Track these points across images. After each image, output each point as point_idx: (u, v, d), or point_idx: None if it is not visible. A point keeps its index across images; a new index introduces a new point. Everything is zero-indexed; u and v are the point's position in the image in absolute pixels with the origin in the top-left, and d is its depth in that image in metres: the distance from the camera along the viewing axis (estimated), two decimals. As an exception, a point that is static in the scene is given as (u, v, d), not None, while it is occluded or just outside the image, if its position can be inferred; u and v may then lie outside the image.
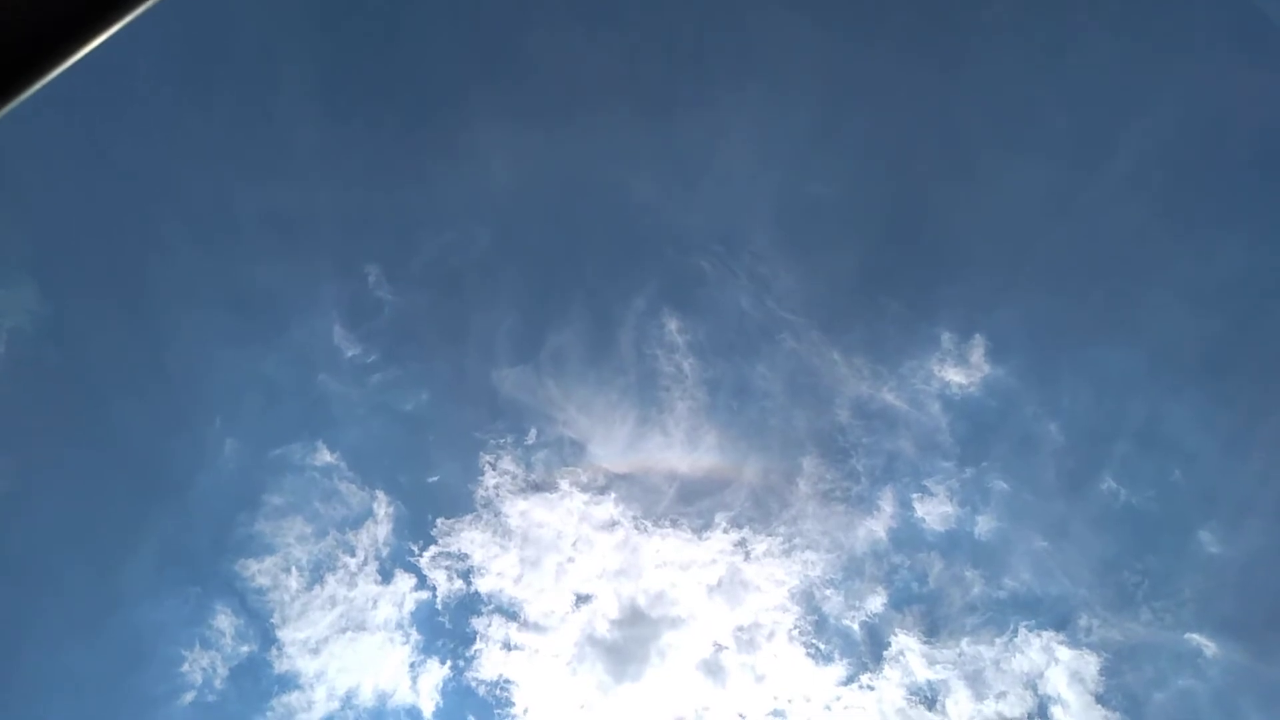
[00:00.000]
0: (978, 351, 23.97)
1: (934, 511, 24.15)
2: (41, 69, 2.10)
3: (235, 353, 24.97)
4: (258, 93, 24.47)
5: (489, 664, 24.71)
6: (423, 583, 24.94)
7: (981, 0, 24.23)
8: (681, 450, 25.55)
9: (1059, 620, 23.44)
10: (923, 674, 23.56)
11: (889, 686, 23.68)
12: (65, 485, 24.71)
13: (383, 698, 24.43)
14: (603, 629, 24.80)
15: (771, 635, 24.38)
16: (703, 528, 25.01)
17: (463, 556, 24.93)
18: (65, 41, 2.11)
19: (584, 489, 25.10)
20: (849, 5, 24.90)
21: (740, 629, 24.60)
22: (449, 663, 24.74)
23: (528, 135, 25.41)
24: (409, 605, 24.82)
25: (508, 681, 24.64)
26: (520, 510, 24.89)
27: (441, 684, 24.61)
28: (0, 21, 2.00)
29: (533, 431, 25.21)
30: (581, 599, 25.08)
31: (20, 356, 23.93)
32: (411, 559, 24.92)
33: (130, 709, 24.03)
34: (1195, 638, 22.57)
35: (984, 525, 24.02)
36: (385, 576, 24.83)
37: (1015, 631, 23.43)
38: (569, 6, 25.09)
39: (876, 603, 24.17)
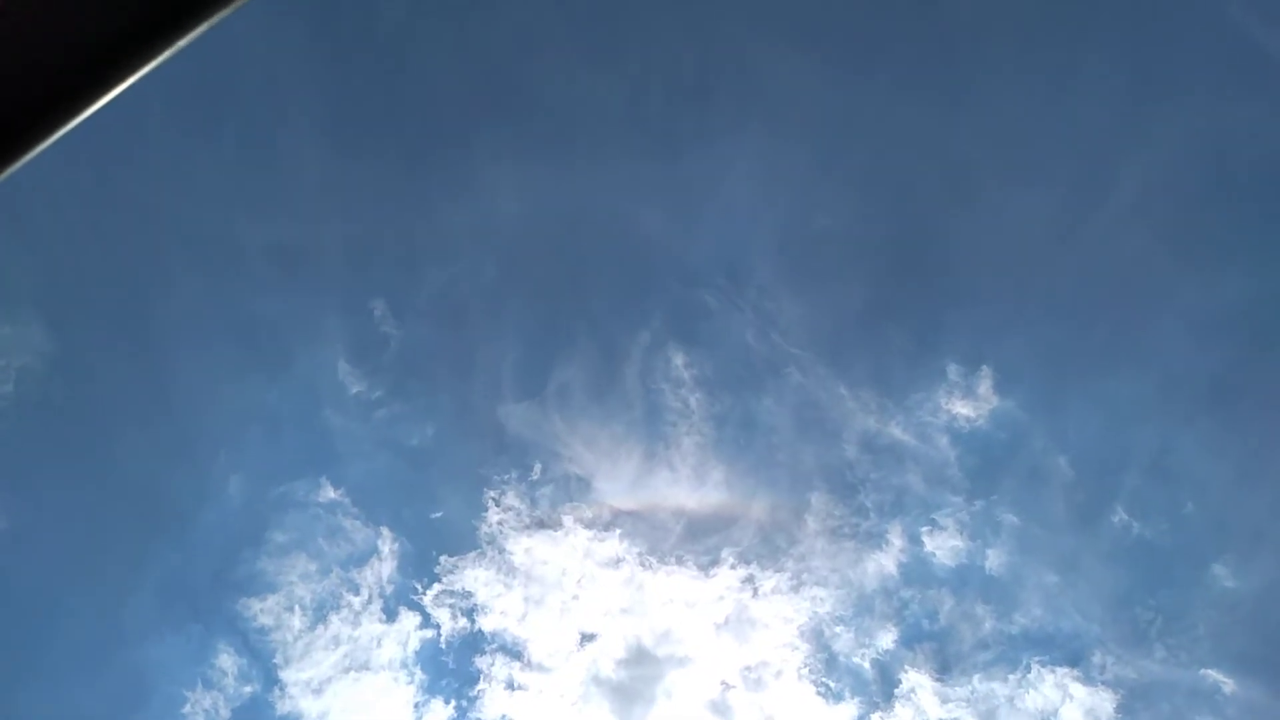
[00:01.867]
0: (985, 383, 23.82)
1: (944, 546, 23.88)
2: (52, 125, 2.08)
3: (240, 388, 24.96)
4: (262, 126, 24.64)
5: (493, 704, 24.40)
6: (427, 621, 24.70)
7: (985, 31, 24.32)
8: (688, 486, 25.37)
9: (1072, 657, 23.09)
10: (935, 712, 23.19)
11: (901, 726, 23.31)
12: (70, 522, 24.62)
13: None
14: (608, 668, 24.51)
15: (780, 674, 24.04)
16: (709, 564, 24.77)
17: (467, 595, 24.71)
18: (77, 98, 2.08)
19: (589, 526, 24.90)
20: (852, 38, 25.02)
21: (748, 668, 24.28)
22: (453, 703, 24.44)
23: (533, 169, 25.51)
24: (413, 644, 24.57)
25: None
26: (525, 548, 24.69)
27: (446, 724, 24.30)
28: (9, 79, 1.98)
29: (538, 467, 25.08)
30: (587, 638, 24.81)
31: (27, 395, 23.92)
32: (415, 597, 24.71)
33: (131, 751, 23.76)
34: (1212, 674, 22.20)
35: (994, 560, 23.75)
36: (389, 615, 24.61)
37: (1028, 668, 23.08)
38: (574, 40, 25.27)
39: (887, 639, 23.85)
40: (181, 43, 2.12)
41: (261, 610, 24.00)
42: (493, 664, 24.52)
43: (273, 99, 24.66)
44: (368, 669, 24.24)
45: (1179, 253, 24.04)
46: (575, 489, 25.21)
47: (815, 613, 24.16)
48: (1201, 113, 23.32)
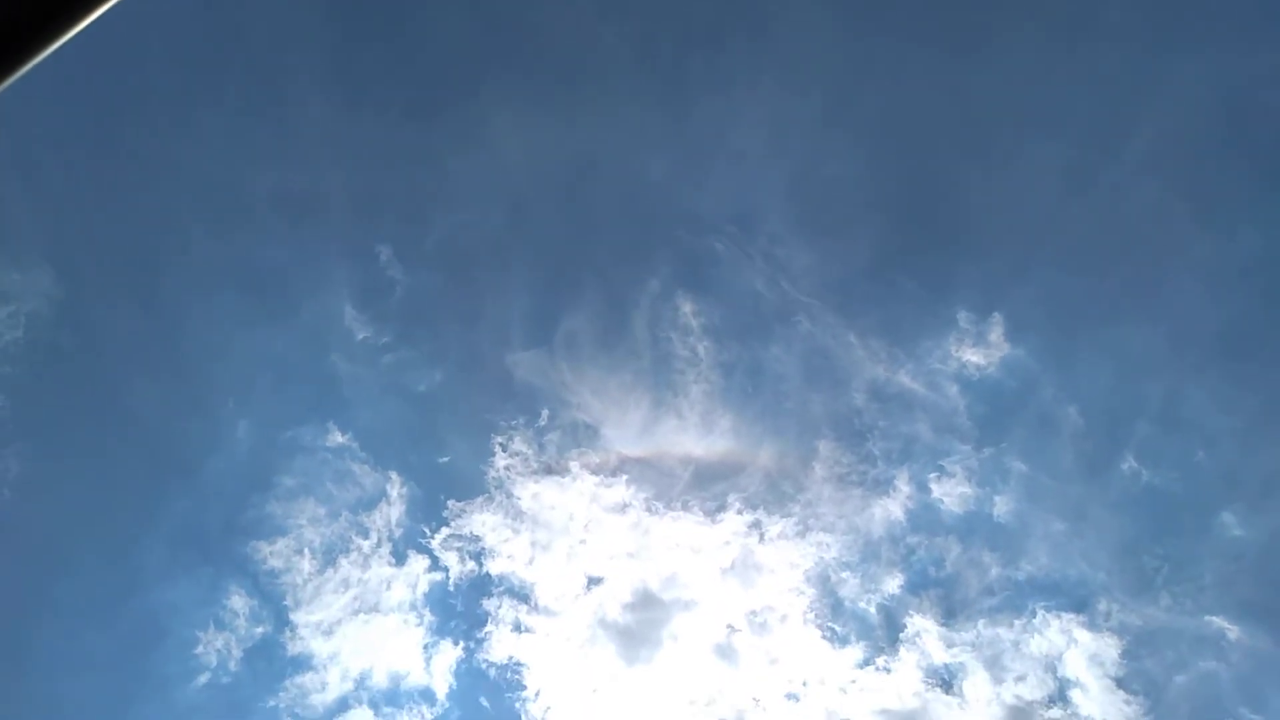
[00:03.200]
0: (996, 330, 23.68)
1: (951, 493, 23.89)
2: (44, 39, 2.10)
3: (248, 335, 25.01)
4: (270, 76, 24.49)
5: (501, 646, 24.65)
6: (435, 564, 24.91)
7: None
8: (696, 434, 25.37)
9: (1078, 604, 23.15)
10: (940, 656, 23.32)
11: (906, 669, 23.45)
12: (81, 467, 24.84)
13: (396, 679, 24.40)
14: (614, 612, 24.69)
15: (785, 618, 24.18)
16: (716, 510, 24.84)
17: (474, 539, 24.87)
18: (67, 12, 2.10)
19: (596, 471, 24.97)
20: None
21: (754, 612, 24.43)
22: (461, 644, 24.70)
23: (541, 116, 25.31)
24: (422, 587, 24.79)
25: (519, 664, 24.59)
26: (532, 493, 24.79)
27: (455, 665, 24.58)
28: None
29: (545, 414, 25.10)
30: (593, 581, 24.98)
31: (37, 340, 24.03)
32: (424, 540, 24.89)
33: (146, 689, 24.14)
34: (1217, 620, 22.23)
35: (1002, 507, 23.74)
36: (398, 558, 24.81)
37: (1033, 613, 23.15)
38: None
39: (893, 584, 23.95)
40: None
41: (271, 553, 24.23)
42: (500, 607, 24.78)
43: (280, 48, 24.50)
44: (377, 611, 24.51)
45: (1193, 205, 23.77)
46: (583, 436, 25.29)
47: (821, 558, 24.28)
48: (1218, 64, 22.97)
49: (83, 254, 24.68)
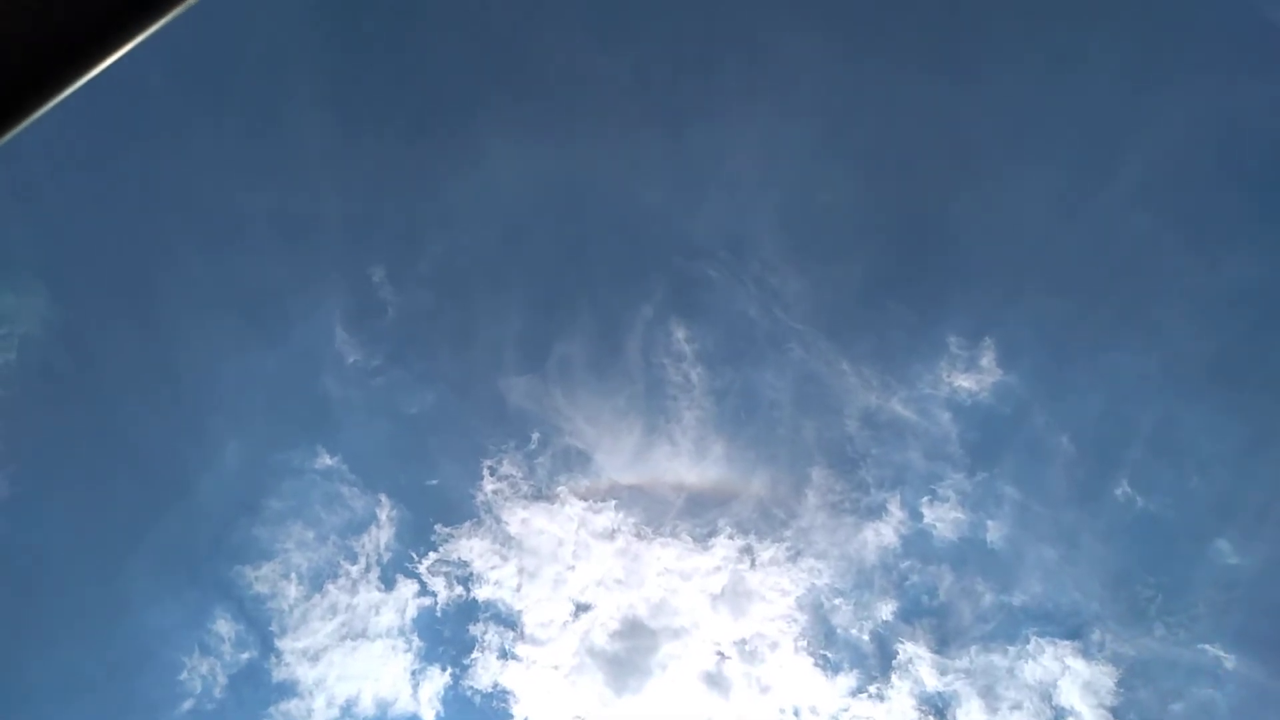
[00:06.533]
0: (988, 356, 23.65)
1: (944, 519, 23.73)
2: (47, 91, 2.08)
3: (239, 356, 24.96)
4: (265, 97, 24.63)
5: (488, 674, 24.38)
6: (423, 590, 24.68)
7: (990, 8, 24.14)
8: (687, 460, 25.27)
9: (1071, 631, 22.93)
10: (933, 684, 23.05)
11: (899, 697, 23.17)
12: (71, 490, 24.68)
13: (383, 706, 24.11)
14: (603, 640, 24.43)
15: (776, 645, 23.93)
16: (707, 536, 24.67)
17: (463, 564, 24.68)
18: (72, 63, 2.08)
19: (587, 497, 24.82)
20: (856, 13, 24.87)
21: (744, 639, 24.17)
22: (448, 671, 24.42)
23: (535, 141, 25.44)
24: (410, 613, 24.56)
25: (507, 691, 24.30)
26: (521, 518, 24.64)
27: (442, 692, 24.29)
28: (5, 43, 1.98)
29: (535, 438, 25.01)
30: (582, 608, 24.75)
31: (30, 362, 24.00)
32: (411, 565, 24.68)
33: (130, 715, 23.84)
34: (1212, 649, 21.99)
35: (994, 533, 23.59)
36: (386, 583, 24.60)
37: (1027, 640, 22.92)
38: (577, 13, 25.18)
39: (885, 611, 23.73)
40: (180, 8, 2.08)
41: (258, 578, 24.02)
42: (487, 633, 24.52)
43: (275, 69, 24.68)
44: (365, 637, 24.26)
45: (1184, 231, 23.85)
46: (574, 461, 25.17)
47: (813, 584, 24.07)
48: (1209, 92, 23.14)
49: (77, 276, 24.73)
